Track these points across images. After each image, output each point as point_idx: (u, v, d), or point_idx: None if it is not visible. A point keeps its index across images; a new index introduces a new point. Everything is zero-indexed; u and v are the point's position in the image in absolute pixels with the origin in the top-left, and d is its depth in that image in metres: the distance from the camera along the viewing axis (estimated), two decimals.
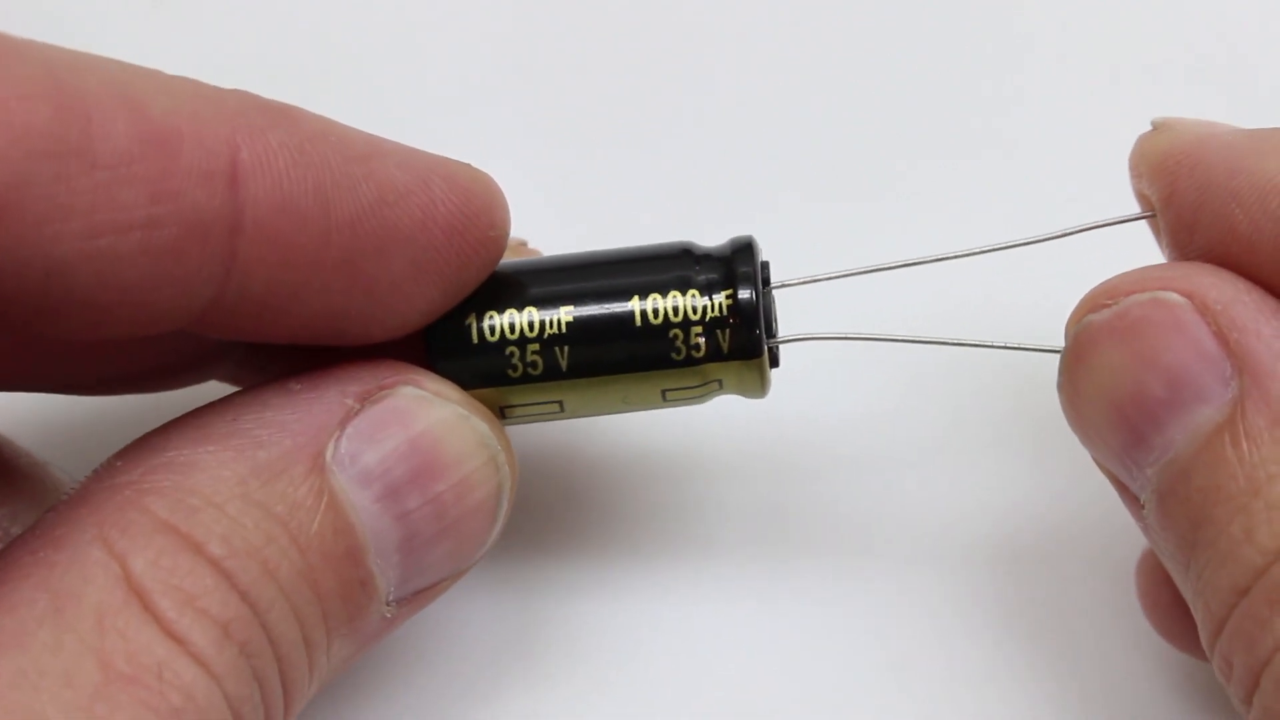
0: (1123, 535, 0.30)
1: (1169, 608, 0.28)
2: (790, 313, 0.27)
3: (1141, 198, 0.26)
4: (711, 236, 0.27)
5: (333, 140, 0.23)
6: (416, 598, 0.25)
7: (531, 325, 0.25)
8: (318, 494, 0.23)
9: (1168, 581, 0.27)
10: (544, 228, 0.30)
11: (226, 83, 0.23)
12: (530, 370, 0.25)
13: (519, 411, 0.26)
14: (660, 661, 0.30)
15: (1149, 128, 0.26)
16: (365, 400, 0.24)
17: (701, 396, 0.26)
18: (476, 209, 0.25)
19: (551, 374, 0.26)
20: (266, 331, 0.24)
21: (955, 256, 0.27)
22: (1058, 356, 0.25)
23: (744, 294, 0.25)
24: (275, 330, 0.24)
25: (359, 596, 0.24)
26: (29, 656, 0.20)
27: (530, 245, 0.30)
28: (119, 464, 0.23)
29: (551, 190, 0.35)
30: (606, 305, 0.25)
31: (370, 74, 0.37)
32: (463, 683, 0.30)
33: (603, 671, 0.30)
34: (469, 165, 0.25)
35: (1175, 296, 0.23)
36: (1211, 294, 0.23)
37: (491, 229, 0.25)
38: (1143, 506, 0.24)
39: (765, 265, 0.26)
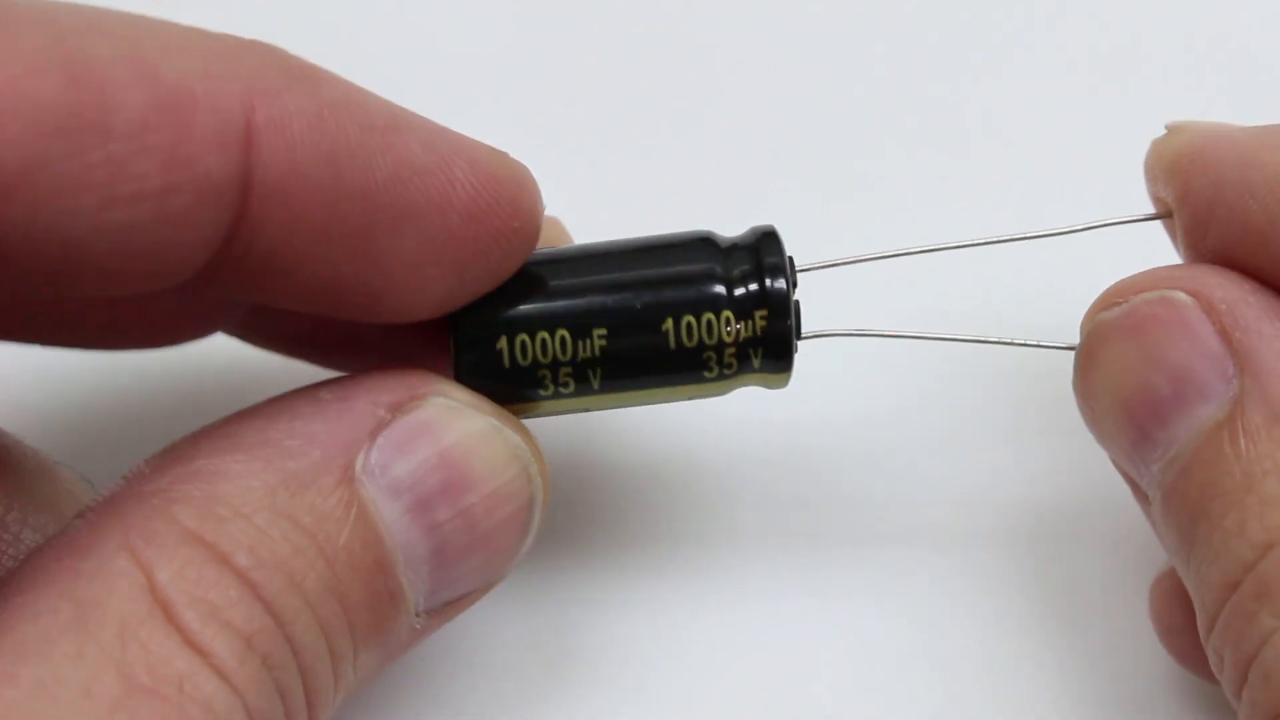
0: (1139, 529, 0.29)
1: (1183, 632, 0.28)
2: (805, 306, 0.27)
3: (1158, 201, 0.26)
4: (721, 230, 0.26)
5: (353, 109, 0.23)
6: (446, 609, 0.24)
7: (565, 348, 0.25)
8: (347, 505, 0.23)
9: (1181, 605, 0.27)
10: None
11: None
12: (562, 389, 0.25)
13: (544, 415, 0.26)
14: (683, 663, 0.30)
15: (1164, 132, 0.26)
16: (396, 410, 0.24)
17: (724, 394, 0.26)
18: (498, 196, 0.24)
19: (584, 392, 0.25)
20: (272, 293, 0.24)
21: (974, 245, 0.27)
22: (1072, 354, 0.25)
23: (778, 313, 0.25)
24: (281, 293, 0.24)
25: (387, 608, 0.23)
26: (49, 666, 0.20)
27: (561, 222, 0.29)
28: (147, 471, 0.23)
29: (555, 180, 0.35)
30: (641, 328, 0.25)
31: (372, 70, 0.36)
32: (483, 689, 0.30)
33: (620, 675, 0.30)
34: (500, 151, 0.25)
35: (1182, 295, 0.24)
36: (1217, 293, 0.24)
37: (514, 219, 0.24)
38: (1151, 503, 0.24)
39: (791, 261, 0.26)
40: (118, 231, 0.21)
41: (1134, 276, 0.25)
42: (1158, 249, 0.27)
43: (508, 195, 0.24)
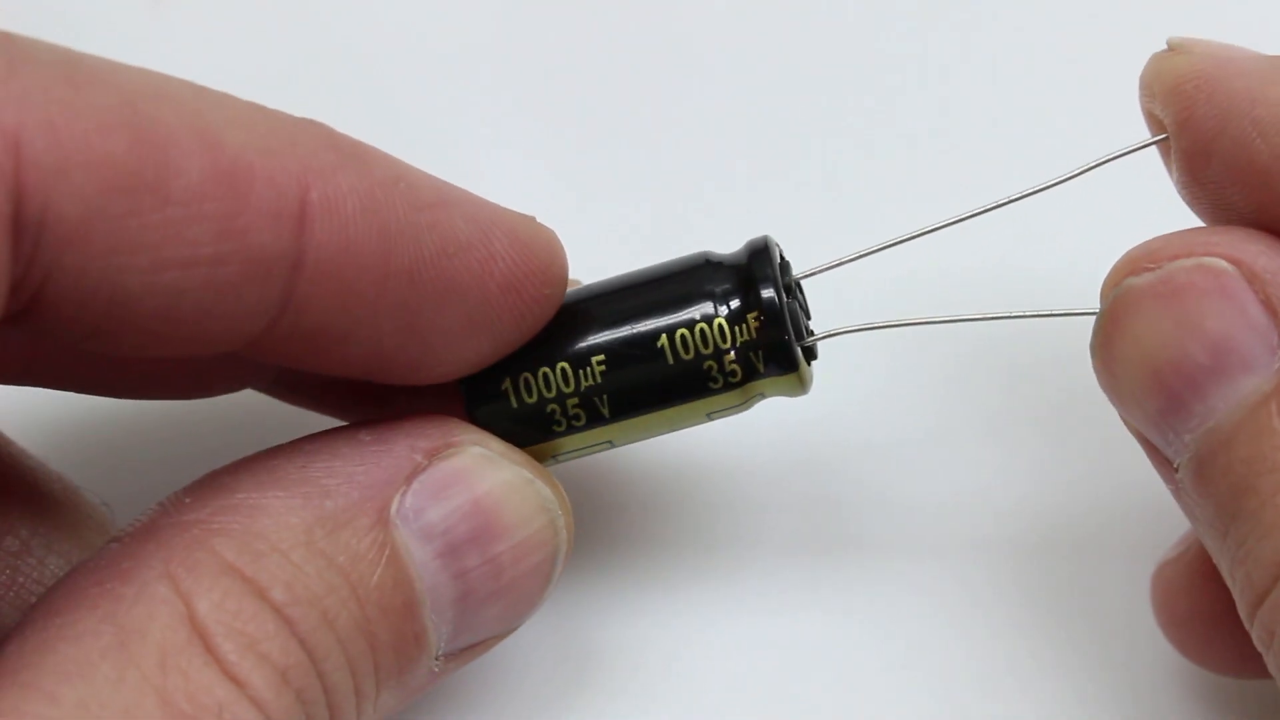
0: (1153, 530, 0.30)
1: (1186, 621, 0.28)
2: (812, 300, 0.27)
3: (1152, 118, 0.26)
4: (721, 227, 0.27)
5: (402, 187, 0.23)
6: (464, 653, 0.25)
7: (567, 379, 0.26)
8: (380, 547, 0.23)
9: (1185, 595, 0.28)
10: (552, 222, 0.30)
11: (225, 85, 0.23)
12: (574, 422, 0.26)
13: (571, 456, 0.26)
14: (695, 667, 0.30)
15: (1164, 47, 0.25)
16: (432, 456, 0.24)
17: (745, 408, 0.26)
18: (535, 267, 0.25)
19: (595, 421, 0.26)
20: (314, 363, 0.24)
21: (969, 216, 0.26)
22: (1089, 333, 0.25)
23: (770, 313, 0.25)
24: (323, 363, 0.24)
25: (411, 650, 0.24)
26: (91, 688, 0.20)
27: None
28: (187, 501, 0.23)
29: (559, 183, 0.35)
30: (636, 348, 0.25)
31: (371, 74, 0.37)
32: (500, 692, 0.30)
33: (632, 679, 0.30)
34: (533, 220, 0.25)
35: (1222, 263, 0.23)
36: (1260, 262, 0.23)
37: (547, 288, 0.25)
38: (1176, 470, 0.24)
39: (786, 266, 0.26)
40: (166, 295, 0.21)
41: (1163, 239, 0.24)
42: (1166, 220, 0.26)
43: (541, 265, 0.25)
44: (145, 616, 0.21)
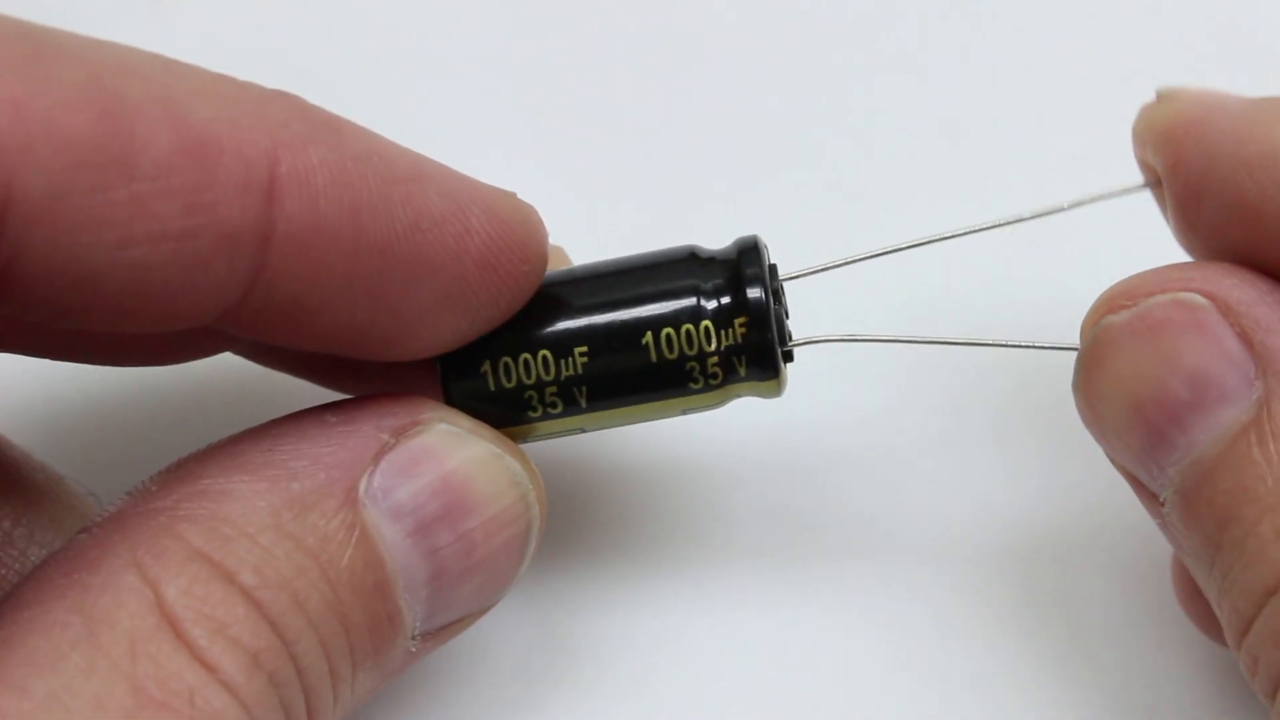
0: (1136, 532, 0.30)
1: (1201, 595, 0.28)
2: (795, 306, 0.27)
3: (1145, 167, 0.26)
4: (722, 228, 0.27)
5: (375, 161, 0.23)
6: (441, 632, 0.25)
7: (547, 367, 0.25)
8: (349, 528, 0.23)
9: None
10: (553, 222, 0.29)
11: None
12: (550, 409, 0.26)
13: (539, 439, 0.26)
14: (681, 664, 0.30)
15: (1154, 98, 0.26)
16: (400, 435, 0.24)
17: (720, 406, 0.26)
18: (512, 243, 0.24)
19: (571, 409, 0.26)
20: (287, 337, 0.24)
21: (958, 235, 0.27)
22: (1071, 354, 0.25)
23: (757, 318, 0.25)
24: (296, 337, 0.24)
25: (386, 630, 0.24)
26: (61, 679, 0.20)
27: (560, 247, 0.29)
28: (154, 489, 0.23)
29: (558, 183, 0.35)
30: (621, 342, 0.25)
31: (371, 74, 0.37)
32: (483, 689, 0.30)
33: (618, 677, 0.30)
34: (512, 195, 0.25)
35: (1197, 298, 0.23)
36: (1234, 295, 0.23)
37: (525, 264, 0.25)
38: (1162, 504, 0.24)
39: (774, 268, 0.26)
40: (134, 270, 0.21)
41: (1139, 277, 0.24)
42: (1150, 236, 0.27)
43: (519, 241, 0.25)
44: (113, 605, 0.21)
